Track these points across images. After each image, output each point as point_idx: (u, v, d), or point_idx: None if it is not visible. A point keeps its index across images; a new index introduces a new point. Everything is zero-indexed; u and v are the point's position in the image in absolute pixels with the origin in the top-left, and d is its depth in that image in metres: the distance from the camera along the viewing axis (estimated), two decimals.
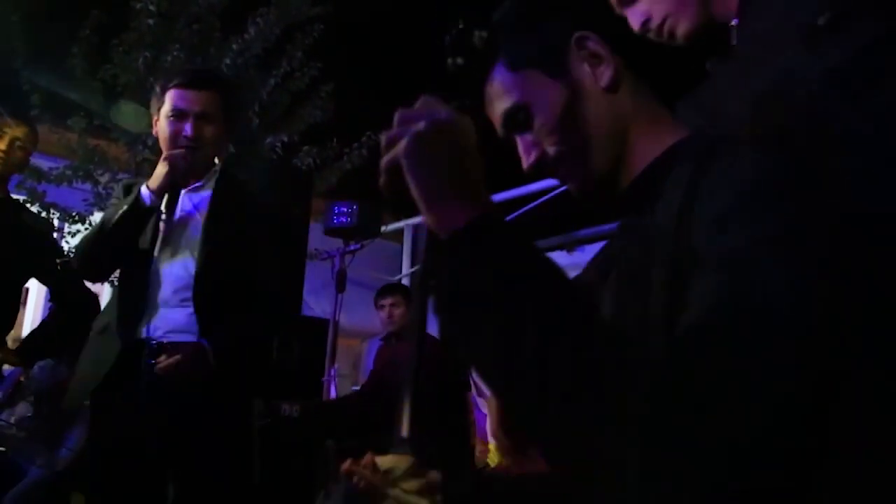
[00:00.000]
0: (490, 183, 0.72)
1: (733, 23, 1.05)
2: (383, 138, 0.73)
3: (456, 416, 3.91)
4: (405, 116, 0.72)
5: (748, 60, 1.01)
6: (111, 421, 1.96)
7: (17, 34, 5.34)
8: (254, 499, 2.13)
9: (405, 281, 6.52)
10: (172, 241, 2.05)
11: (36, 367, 3.53)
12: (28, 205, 3.44)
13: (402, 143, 0.69)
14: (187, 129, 2.02)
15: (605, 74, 0.85)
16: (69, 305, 2.61)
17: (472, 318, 0.65)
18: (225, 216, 2.06)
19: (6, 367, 3.18)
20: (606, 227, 5.03)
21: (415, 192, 0.69)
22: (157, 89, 2.16)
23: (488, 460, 4.07)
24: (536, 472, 0.91)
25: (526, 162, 0.91)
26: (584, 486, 0.59)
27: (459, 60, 0.78)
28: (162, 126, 2.07)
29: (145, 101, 5.41)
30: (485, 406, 4.18)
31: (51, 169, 5.39)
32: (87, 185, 5.56)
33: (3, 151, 2.46)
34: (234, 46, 5.61)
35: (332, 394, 4.89)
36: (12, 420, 3.44)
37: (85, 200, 5.51)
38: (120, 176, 5.56)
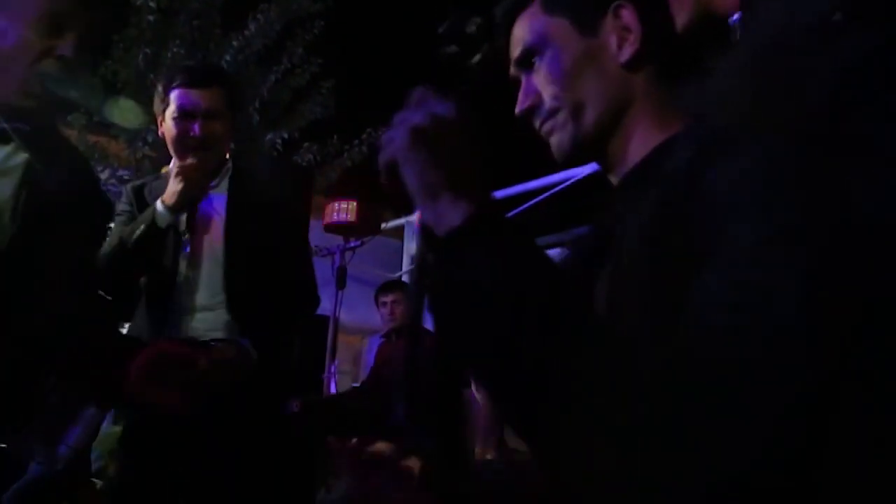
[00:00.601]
0: (491, 180, 0.72)
1: (734, 17, 1.04)
2: (382, 139, 0.72)
3: (453, 411, 3.90)
4: (401, 117, 0.71)
5: (752, 57, 1.00)
6: (143, 428, 1.95)
7: None
8: (254, 494, 2.12)
9: (405, 278, 6.52)
10: (195, 246, 2.03)
11: None
12: None
13: (398, 140, 0.68)
14: (196, 129, 1.96)
15: (628, 50, 0.85)
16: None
17: (468, 315, 0.64)
18: (244, 216, 2.04)
19: None
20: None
21: (411, 188, 0.68)
22: (160, 89, 2.12)
23: (486, 455, 4.07)
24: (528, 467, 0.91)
25: (519, 106, 0.91)
26: (578, 488, 0.58)
27: (453, 48, 0.78)
28: (168, 127, 2.01)
29: (145, 97, 5.43)
30: (482, 401, 4.18)
31: None
32: None
33: None
34: (235, 43, 5.61)
35: (333, 390, 4.89)
36: None
37: None
38: (120, 172, 5.57)
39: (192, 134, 1.96)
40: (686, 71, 0.90)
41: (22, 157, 1.37)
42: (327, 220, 5.17)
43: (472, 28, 0.79)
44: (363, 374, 6.20)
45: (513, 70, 0.93)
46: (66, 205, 1.37)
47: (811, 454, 0.57)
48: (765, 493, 0.55)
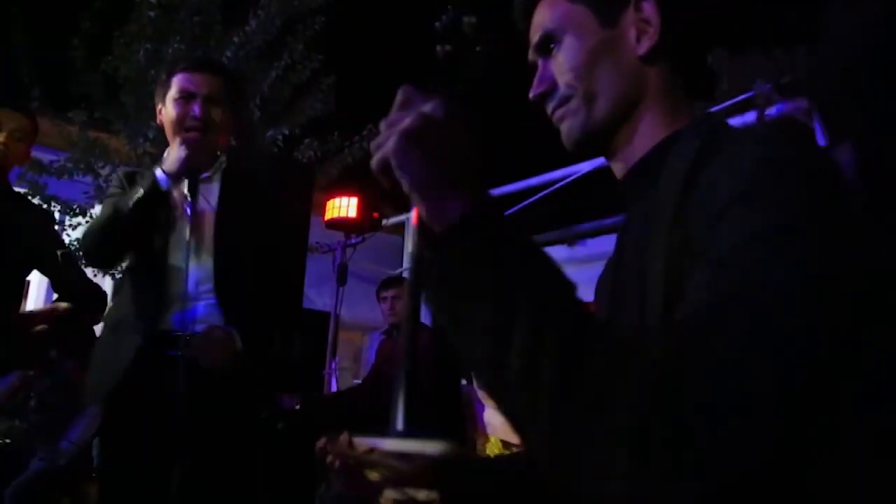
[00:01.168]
0: (491, 177, 0.71)
1: None
2: (373, 145, 0.72)
3: (453, 407, 3.91)
4: (391, 120, 0.71)
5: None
6: (130, 415, 1.95)
7: (18, 26, 5.33)
8: (255, 491, 2.13)
9: (406, 274, 6.52)
10: (185, 234, 2.03)
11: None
12: (29, 197, 3.44)
13: (389, 143, 0.68)
14: (195, 109, 2.00)
15: (646, 44, 0.85)
16: (72, 297, 2.61)
17: (464, 312, 0.64)
18: (235, 208, 2.06)
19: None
20: (607, 220, 5.02)
21: (407, 188, 0.68)
22: (163, 76, 2.15)
23: (488, 452, 4.08)
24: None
25: (533, 91, 0.92)
26: (575, 484, 0.58)
27: (448, 48, 0.78)
28: (168, 110, 2.05)
29: (146, 93, 5.43)
30: (484, 397, 4.19)
31: (51, 161, 5.39)
32: (88, 178, 5.56)
33: (3, 143, 2.46)
34: (235, 39, 5.60)
35: (333, 387, 4.90)
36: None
37: (85, 193, 5.52)
38: (120, 168, 5.57)
39: (192, 114, 1.99)
40: (702, 69, 0.90)
41: None
42: (328, 216, 5.17)
43: (467, 26, 0.78)
44: (364, 371, 6.21)
45: (531, 55, 0.94)
46: None
47: (809, 449, 0.57)
48: (762, 488, 0.55)
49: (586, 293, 0.69)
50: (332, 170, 6.10)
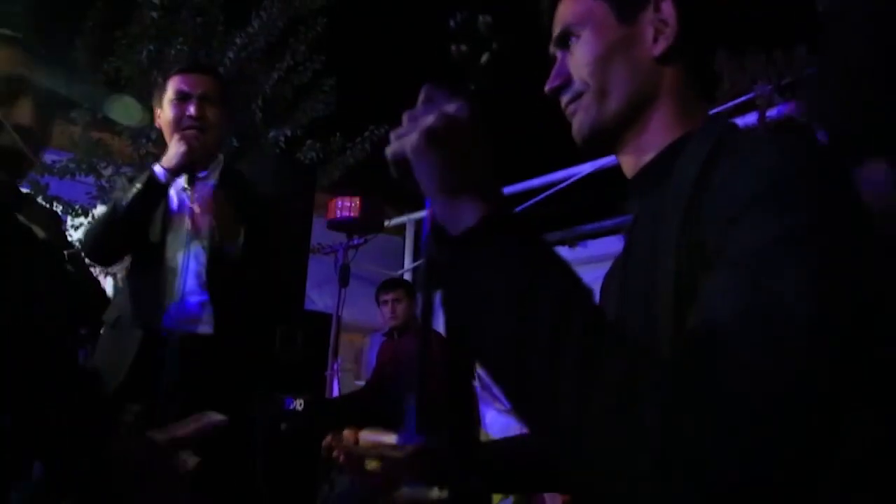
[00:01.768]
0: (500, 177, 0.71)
1: None
2: (392, 136, 0.71)
3: (463, 410, 3.90)
4: (413, 115, 0.70)
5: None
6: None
7: (20, 27, 5.34)
8: (258, 492, 2.13)
9: (407, 275, 6.52)
10: (181, 232, 2.07)
11: None
12: (27, 194, 3.44)
13: (410, 140, 0.68)
14: (191, 109, 2.05)
15: (662, 44, 0.86)
16: (77, 295, 2.61)
17: (484, 316, 0.64)
18: (230, 207, 2.07)
19: None
20: (609, 222, 5.02)
21: (424, 188, 0.68)
22: (160, 81, 2.19)
23: None
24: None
25: (549, 84, 0.93)
26: (597, 486, 0.58)
27: (463, 48, 0.78)
28: (166, 112, 2.10)
29: (148, 94, 5.43)
30: (490, 399, 4.18)
31: (54, 162, 5.40)
32: (91, 178, 5.57)
33: None
34: (237, 40, 5.61)
35: (335, 388, 4.89)
36: None
37: (88, 193, 5.52)
38: (123, 169, 5.57)
39: (188, 114, 2.05)
40: (713, 70, 0.90)
41: None
42: (330, 217, 5.17)
43: (482, 25, 0.79)
44: (365, 372, 6.21)
45: (551, 47, 0.95)
46: None
47: (823, 456, 0.57)
48: (774, 493, 0.55)
49: None
50: (334, 171, 6.10)
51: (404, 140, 0.69)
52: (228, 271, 2.01)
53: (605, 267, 1.01)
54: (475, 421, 4.17)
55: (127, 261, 2.23)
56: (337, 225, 5.17)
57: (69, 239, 3.33)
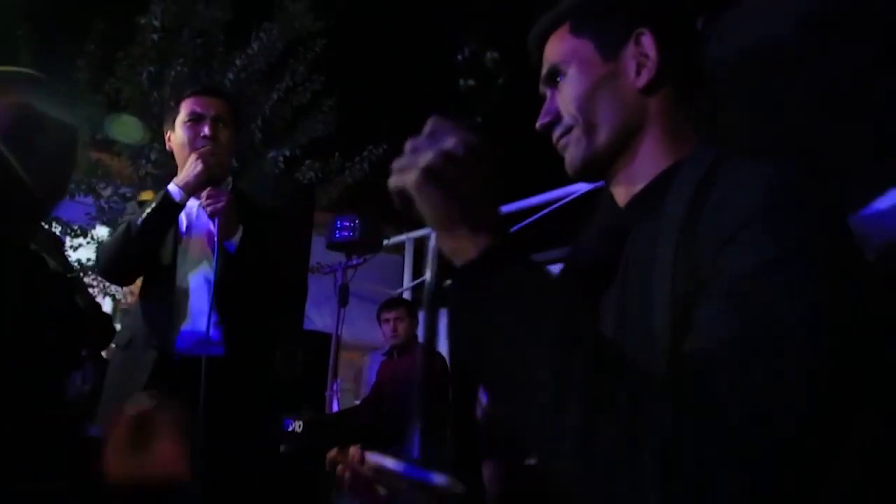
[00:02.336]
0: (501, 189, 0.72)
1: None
2: (394, 165, 0.72)
3: (465, 429, 3.88)
4: (416, 145, 0.71)
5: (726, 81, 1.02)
6: None
7: (23, 47, 5.38)
8: None
9: (407, 294, 6.53)
10: (191, 253, 2.08)
11: None
12: None
13: (413, 175, 0.69)
14: (205, 129, 2.07)
15: (644, 76, 0.88)
16: (80, 319, 2.63)
17: (488, 346, 0.65)
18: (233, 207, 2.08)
19: None
20: None
21: (427, 220, 0.70)
22: (172, 104, 2.21)
23: None
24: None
25: (540, 120, 0.95)
26: None
27: (471, 82, 0.79)
28: (178, 134, 2.12)
29: (148, 114, 5.47)
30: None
31: None
32: (90, 199, 5.59)
33: None
34: (238, 61, 5.66)
35: (335, 408, 4.88)
36: None
37: (87, 214, 5.54)
38: (122, 190, 5.60)
39: (202, 135, 2.06)
40: (700, 96, 0.92)
41: None
42: (329, 237, 5.18)
43: (489, 61, 0.80)
44: (365, 392, 6.18)
45: (541, 87, 0.97)
46: None
47: (821, 478, 0.58)
48: None
49: None
50: (332, 190, 6.13)
51: (405, 175, 0.70)
52: (235, 292, 2.02)
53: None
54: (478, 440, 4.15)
55: (133, 283, 2.23)
56: (336, 245, 5.18)
57: (69, 261, 3.34)
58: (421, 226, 0.71)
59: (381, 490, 0.80)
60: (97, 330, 2.51)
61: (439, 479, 0.68)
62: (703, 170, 0.77)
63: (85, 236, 5.45)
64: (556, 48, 0.94)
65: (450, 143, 0.69)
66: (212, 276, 2.00)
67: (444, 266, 0.71)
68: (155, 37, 5.41)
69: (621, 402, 0.58)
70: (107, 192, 5.61)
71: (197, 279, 2.06)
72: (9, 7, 5.46)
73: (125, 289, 3.69)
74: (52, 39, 5.67)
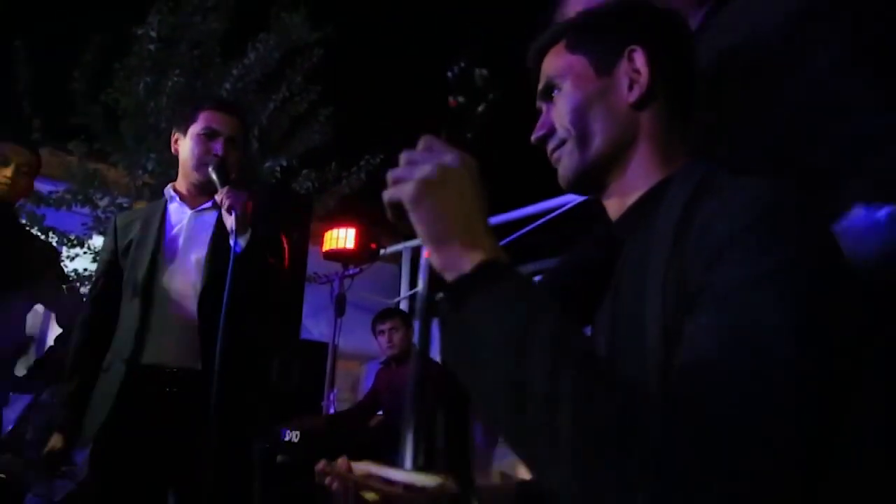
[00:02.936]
0: (490, 204, 0.74)
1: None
2: (388, 176, 0.73)
3: (461, 437, 3.87)
4: (410, 158, 0.73)
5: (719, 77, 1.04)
6: (120, 450, 1.93)
7: (20, 58, 5.39)
8: None
9: (403, 303, 6.52)
10: (181, 263, 2.07)
11: (45, 393, 3.51)
12: (27, 228, 3.47)
13: (407, 188, 0.71)
14: (218, 148, 2.08)
15: (636, 92, 0.90)
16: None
17: (480, 361, 0.66)
18: (227, 242, 2.06)
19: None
20: None
21: (419, 234, 0.71)
22: (188, 109, 2.19)
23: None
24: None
25: (535, 134, 0.98)
26: None
27: (461, 98, 0.81)
28: (188, 145, 2.11)
29: (145, 125, 5.48)
30: (483, 431, 4.16)
31: (50, 192, 5.42)
32: (86, 209, 5.59)
33: (9, 178, 2.50)
34: (234, 71, 5.67)
35: None
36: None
37: (84, 224, 5.54)
38: (119, 200, 5.60)
39: (214, 152, 2.08)
40: (693, 110, 0.94)
41: None
42: (326, 247, 5.18)
43: (479, 79, 0.82)
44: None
45: (537, 101, 1.00)
46: None
47: (813, 491, 0.59)
48: None
49: None
50: (329, 201, 6.14)
51: (400, 188, 0.71)
52: (222, 302, 1.99)
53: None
54: (470, 454, 4.14)
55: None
56: (333, 255, 5.18)
57: (66, 271, 3.34)
58: (417, 236, 0.72)
59: (372, 497, 0.80)
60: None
61: (431, 482, 0.69)
62: (694, 185, 0.78)
63: (82, 246, 5.44)
64: (553, 63, 0.97)
65: (447, 158, 0.71)
66: (199, 285, 2.00)
67: (436, 277, 0.72)
68: (152, 47, 5.42)
69: (611, 415, 0.59)
70: (103, 203, 5.60)
71: (184, 287, 2.04)
72: (6, 18, 5.47)
73: None
74: (49, 50, 5.69)
